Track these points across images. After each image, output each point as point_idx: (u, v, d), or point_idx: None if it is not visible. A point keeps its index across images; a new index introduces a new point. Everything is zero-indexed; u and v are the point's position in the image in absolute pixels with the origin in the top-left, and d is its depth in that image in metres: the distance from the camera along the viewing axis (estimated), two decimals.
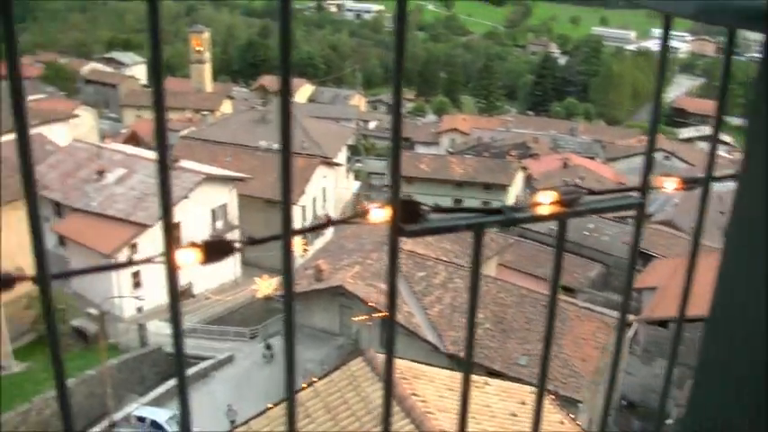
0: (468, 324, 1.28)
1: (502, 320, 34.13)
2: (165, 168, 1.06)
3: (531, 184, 76.26)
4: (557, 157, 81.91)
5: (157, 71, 1.05)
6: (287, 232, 1.01)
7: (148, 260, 1.27)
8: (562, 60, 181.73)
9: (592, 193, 1.33)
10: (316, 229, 1.30)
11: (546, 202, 1.23)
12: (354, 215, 1.16)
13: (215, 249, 1.10)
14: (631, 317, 37.79)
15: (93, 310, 41.54)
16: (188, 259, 1.10)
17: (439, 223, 1.14)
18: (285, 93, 1.04)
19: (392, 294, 1.14)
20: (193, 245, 1.09)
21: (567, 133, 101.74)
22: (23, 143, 1.01)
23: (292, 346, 1.24)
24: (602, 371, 31.76)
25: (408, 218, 1.08)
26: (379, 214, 1.11)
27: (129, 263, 1.39)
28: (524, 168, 76.83)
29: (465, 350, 1.30)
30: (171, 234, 1.06)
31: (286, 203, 1.04)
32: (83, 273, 1.29)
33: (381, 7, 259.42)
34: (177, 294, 1.10)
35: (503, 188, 69.32)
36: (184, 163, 50.88)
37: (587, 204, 1.29)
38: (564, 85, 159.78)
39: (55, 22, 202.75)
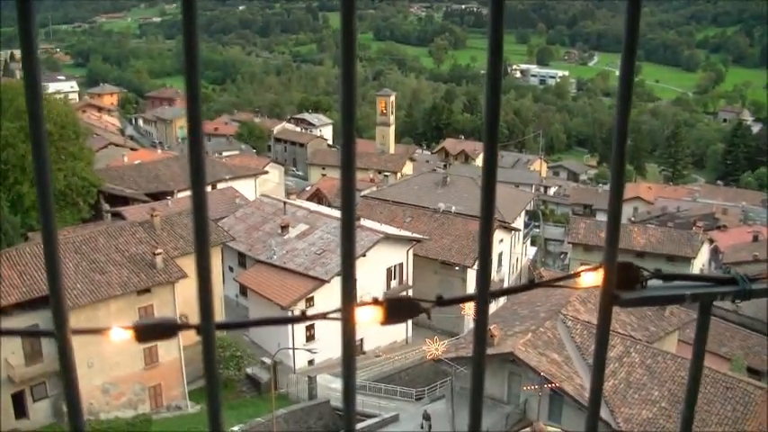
0: (686, 409, 1.10)
1: (679, 400, 32.22)
2: (349, 226, 1.06)
3: (717, 258, 72.55)
4: (747, 229, 77.64)
5: (348, 132, 1.15)
6: (483, 292, 0.88)
7: (323, 315, 1.17)
8: (756, 128, 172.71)
9: None
10: (514, 291, 1.16)
11: None
12: (561, 277, 1.01)
13: (399, 308, 0.98)
14: None
15: (267, 360, 42.85)
16: (368, 317, 0.99)
17: (660, 292, 0.96)
18: (491, 159, 0.97)
19: (599, 371, 0.98)
20: (376, 302, 0.97)
21: (759, 205, 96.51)
22: (198, 198, 1.07)
23: (479, 407, 1.11)
24: None
25: (625, 284, 0.91)
26: (591, 278, 0.94)
27: (301, 317, 1.29)
28: (711, 241, 73.23)
29: None
30: (351, 291, 0.97)
31: (484, 265, 0.91)
32: (244, 325, 1.24)
33: (565, 73, 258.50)
34: (353, 350, 1.01)
35: (687, 261, 66.16)
36: (364, 222, 51.92)
37: None
38: (757, 153, 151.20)
39: (252, 84, 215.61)
